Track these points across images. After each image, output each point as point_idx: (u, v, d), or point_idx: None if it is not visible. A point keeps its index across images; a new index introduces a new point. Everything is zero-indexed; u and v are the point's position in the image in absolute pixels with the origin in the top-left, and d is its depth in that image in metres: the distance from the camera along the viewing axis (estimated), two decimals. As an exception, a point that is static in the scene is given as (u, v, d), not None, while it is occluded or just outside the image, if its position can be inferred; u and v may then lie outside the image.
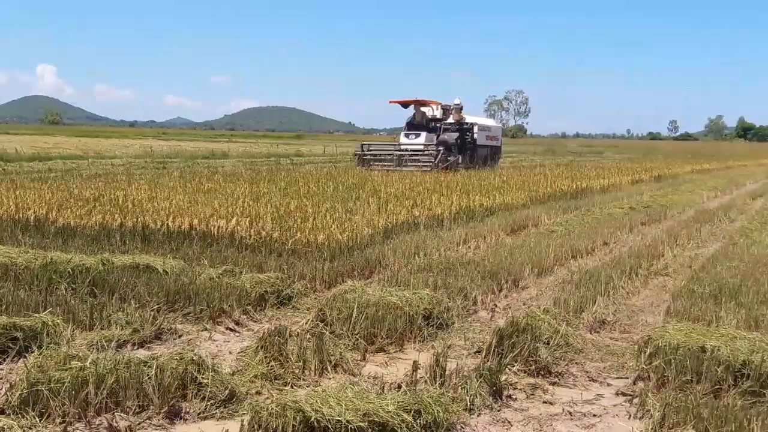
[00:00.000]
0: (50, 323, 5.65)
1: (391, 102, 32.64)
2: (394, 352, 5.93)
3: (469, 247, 10.49)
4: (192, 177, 19.10)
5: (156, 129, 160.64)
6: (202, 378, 4.63)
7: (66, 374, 4.43)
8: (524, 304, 7.46)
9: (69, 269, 7.36)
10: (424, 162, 27.00)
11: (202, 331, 6.34)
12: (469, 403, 4.71)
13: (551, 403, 5.00)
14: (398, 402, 4.23)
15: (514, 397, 5.03)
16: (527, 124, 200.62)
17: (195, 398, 4.56)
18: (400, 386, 4.84)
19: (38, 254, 8.01)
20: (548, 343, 5.83)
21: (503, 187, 18.29)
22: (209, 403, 4.52)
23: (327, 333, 5.80)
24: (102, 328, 6.00)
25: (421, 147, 28.25)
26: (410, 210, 12.83)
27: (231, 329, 6.48)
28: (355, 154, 29.85)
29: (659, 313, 7.28)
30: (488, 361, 5.39)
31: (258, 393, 4.84)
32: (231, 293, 6.97)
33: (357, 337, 5.96)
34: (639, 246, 10.99)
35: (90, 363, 4.55)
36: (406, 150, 28.46)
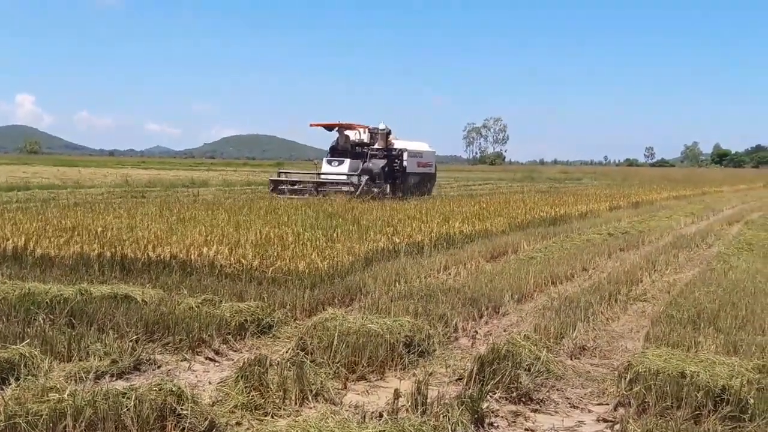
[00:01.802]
0: (28, 355, 5.59)
1: (312, 125, 30.05)
2: (375, 380, 5.92)
3: (450, 273, 10.51)
4: (172, 205, 19.02)
5: (136, 158, 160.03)
6: (182, 409, 4.58)
7: (44, 406, 4.38)
8: (505, 331, 7.48)
9: (47, 300, 7.30)
10: (345, 192, 24.77)
11: (181, 361, 6.29)
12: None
13: (533, 431, 5.00)
14: (380, 431, 4.21)
15: (495, 424, 5.03)
16: (506, 151, 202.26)
17: (174, 429, 4.51)
18: (381, 415, 4.82)
19: (16, 285, 7.94)
20: (529, 370, 5.84)
21: (482, 214, 18.36)
22: (189, 434, 4.48)
23: (308, 362, 5.76)
24: (80, 359, 5.94)
25: (344, 176, 26.18)
26: (390, 237, 12.84)
27: (211, 359, 6.43)
28: (270, 182, 27.93)
29: (639, 339, 7.32)
30: (469, 388, 5.38)
31: (238, 423, 4.80)
32: (211, 322, 6.93)
33: (338, 365, 5.94)
34: (618, 272, 11.06)
35: (68, 395, 4.50)
36: (326, 179, 26.49)
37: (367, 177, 26.02)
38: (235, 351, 6.67)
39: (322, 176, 26.89)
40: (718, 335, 7.00)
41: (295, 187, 26.44)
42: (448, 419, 4.77)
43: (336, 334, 6.23)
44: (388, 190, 27.55)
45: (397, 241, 12.56)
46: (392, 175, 28.34)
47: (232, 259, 9.92)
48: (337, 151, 28.63)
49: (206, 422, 4.56)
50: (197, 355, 6.47)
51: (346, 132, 29.28)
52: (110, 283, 8.63)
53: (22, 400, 4.46)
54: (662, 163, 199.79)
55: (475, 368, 5.65)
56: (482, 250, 12.62)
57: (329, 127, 29.53)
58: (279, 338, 7.08)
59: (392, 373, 6.08)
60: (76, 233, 11.98)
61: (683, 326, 7.40)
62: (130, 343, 6.21)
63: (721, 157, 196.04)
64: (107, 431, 4.40)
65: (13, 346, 5.71)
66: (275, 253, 10.30)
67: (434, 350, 6.66)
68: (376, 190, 25.97)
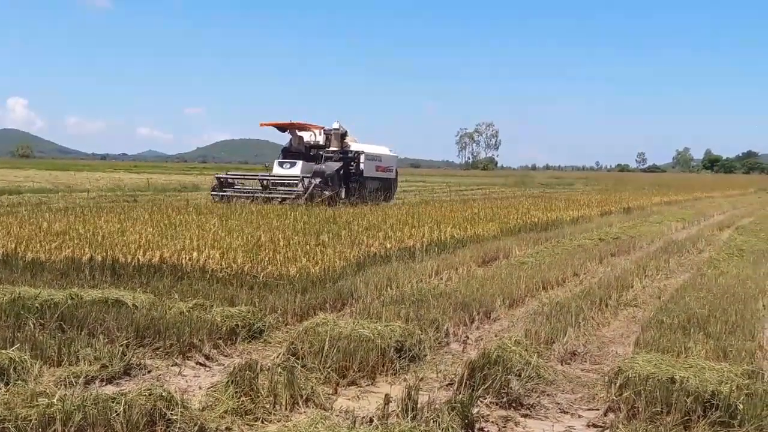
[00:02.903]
0: (17, 359, 5.57)
1: (263, 125, 28.47)
2: (366, 385, 5.91)
3: (441, 278, 10.52)
4: (163, 210, 18.99)
5: (128, 162, 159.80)
6: (172, 414, 4.58)
7: (33, 411, 4.37)
8: (496, 336, 7.49)
9: (37, 304, 7.27)
10: (293, 195, 23.66)
11: (171, 366, 6.28)
12: (441, 437, 4.71)
13: (523, 436, 5.00)
14: (370, 436, 4.21)
15: (486, 429, 5.04)
16: (497, 156, 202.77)
17: (164, 434, 4.50)
18: (371, 420, 4.82)
19: (6, 289, 7.91)
20: (520, 375, 5.84)
21: (474, 219, 18.39)
22: (179, 439, 4.47)
23: (298, 367, 5.76)
24: (70, 364, 5.92)
25: (295, 179, 24.63)
26: (382, 242, 12.85)
27: (201, 364, 6.42)
28: (214, 186, 26.27)
29: (629, 344, 7.34)
30: (460, 393, 5.39)
31: (228, 429, 4.79)
32: (201, 327, 6.92)
33: (329, 370, 5.93)
34: (609, 277, 11.08)
35: (57, 399, 4.48)
36: (275, 181, 25.15)
37: (319, 180, 24.57)
38: (226, 356, 6.66)
39: (273, 179, 25.51)
40: (708, 341, 7.02)
41: (242, 190, 25.22)
42: (439, 424, 4.77)
43: (327, 339, 6.23)
44: (343, 194, 26.05)
45: (389, 245, 12.57)
46: (348, 179, 26.80)
47: (223, 263, 9.91)
48: (290, 153, 27.56)
49: (196, 427, 4.56)
50: (188, 360, 6.46)
51: (300, 133, 28.04)
52: (101, 287, 8.61)
53: (11, 405, 4.44)
54: (654, 169, 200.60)
55: (465, 373, 5.65)
56: (474, 255, 12.63)
57: (282, 128, 28.24)
58: (270, 343, 7.07)
59: (383, 378, 6.08)
60: (67, 237, 11.95)
61: (673, 332, 7.42)
62: (121, 348, 6.19)
63: (712, 163, 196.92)
64: (97, 436, 4.39)
65: (3, 351, 5.68)
66: (266, 258, 10.30)
67: (425, 355, 6.67)
68: (327, 194, 24.46)
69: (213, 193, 25.77)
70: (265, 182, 25.18)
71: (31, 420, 4.30)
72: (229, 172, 28.24)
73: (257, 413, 5.04)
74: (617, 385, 5.51)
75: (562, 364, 6.61)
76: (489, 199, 32.19)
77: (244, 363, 5.51)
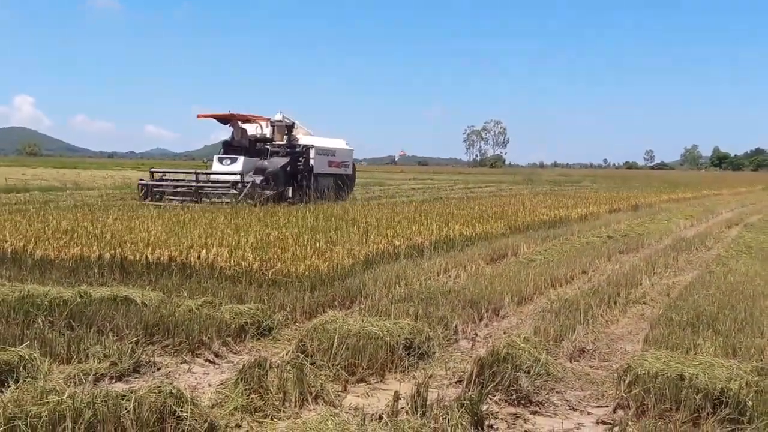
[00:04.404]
0: (27, 357, 5.59)
1: (201, 116, 25.91)
2: (375, 382, 5.92)
3: (450, 276, 10.51)
4: (171, 207, 19.02)
5: (135, 160, 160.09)
6: (181, 411, 4.58)
7: (43, 409, 4.38)
8: (504, 333, 7.47)
9: (46, 302, 7.30)
10: (229, 195, 21.54)
11: (181, 363, 6.29)
12: (450, 434, 4.70)
13: (532, 433, 5.00)
14: (379, 433, 4.21)
15: (495, 426, 5.03)
16: (506, 153, 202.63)
17: None
18: (381, 417, 4.83)
19: (15, 287, 7.93)
20: (529, 372, 5.84)
21: (482, 217, 18.37)
22: (189, 436, 4.48)
23: (307, 364, 5.76)
24: (79, 362, 5.94)
25: (236, 176, 22.27)
26: (390, 240, 12.84)
27: (210, 361, 6.43)
28: (140, 185, 23.75)
29: (638, 342, 7.32)
30: (469, 390, 5.39)
31: (238, 426, 4.80)
32: (210, 325, 6.93)
33: (338, 367, 5.94)
34: (617, 274, 11.06)
35: (67, 397, 4.49)
36: (212, 179, 22.97)
37: (260, 178, 22.54)
38: (235, 353, 6.67)
39: (212, 177, 23.36)
40: (716, 338, 7.01)
41: (174, 190, 23.11)
42: (448, 421, 4.77)
43: (336, 337, 6.23)
44: (290, 193, 24.12)
45: (397, 243, 12.56)
46: (296, 176, 24.65)
47: (231, 261, 9.92)
48: (232, 148, 25.09)
49: (206, 424, 4.56)
50: (197, 357, 6.47)
51: (244, 125, 25.69)
52: (110, 285, 8.64)
53: (21, 403, 4.45)
54: (662, 166, 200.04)
55: (474, 370, 5.65)
56: (482, 252, 12.62)
57: (223, 120, 25.76)
58: (279, 340, 7.08)
59: (392, 375, 6.08)
60: (75, 235, 11.99)
61: (682, 329, 7.40)
62: (130, 346, 6.21)
63: (720, 160, 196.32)
64: (107, 433, 4.40)
65: (13, 348, 5.70)
66: (275, 255, 10.30)
67: (434, 352, 6.67)
68: (269, 193, 22.39)
69: (142, 195, 23.27)
70: (197, 182, 22.90)
71: (41, 417, 4.31)
72: (154, 170, 25.46)
73: (267, 410, 5.04)
74: (626, 382, 5.51)
75: (571, 362, 6.60)
76: (497, 197, 32.15)
77: (253, 360, 5.52)
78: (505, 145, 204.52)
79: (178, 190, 23.10)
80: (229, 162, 23.66)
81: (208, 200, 21.51)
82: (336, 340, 6.18)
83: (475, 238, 14.47)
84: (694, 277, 11.21)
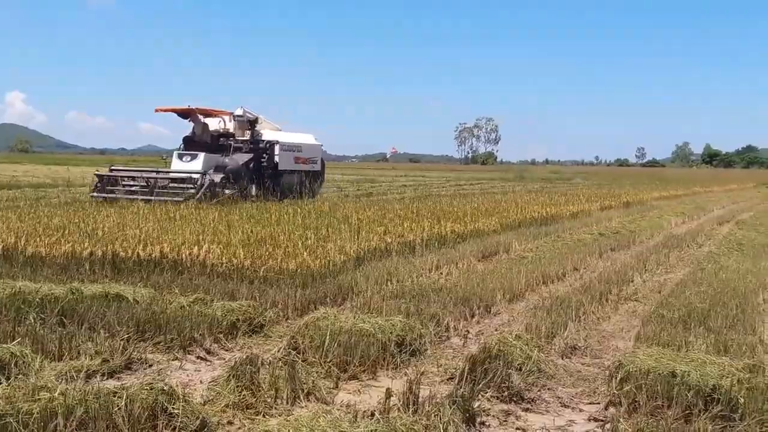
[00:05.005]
0: (18, 354, 5.57)
1: (159, 110, 24.44)
2: (367, 379, 5.92)
3: (441, 273, 10.52)
4: (162, 203, 18.95)
5: (126, 156, 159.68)
6: (173, 408, 4.58)
7: (35, 405, 4.36)
8: (496, 330, 7.49)
9: (38, 299, 7.28)
10: (186, 193, 20.37)
11: (172, 360, 6.29)
12: (442, 431, 4.71)
13: (524, 430, 5.01)
14: (371, 430, 4.22)
15: (487, 423, 5.04)
16: (497, 151, 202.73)
17: (166, 429, 4.50)
18: (373, 414, 4.82)
19: (6, 284, 7.90)
20: (520, 369, 5.85)
21: (474, 214, 18.38)
22: (180, 433, 4.47)
23: (299, 361, 5.77)
24: (71, 358, 5.93)
25: (196, 174, 21.11)
26: (382, 236, 12.83)
27: (202, 358, 6.43)
28: (96, 184, 22.49)
29: (629, 339, 7.35)
30: (461, 387, 5.39)
31: (230, 423, 4.80)
32: (202, 322, 6.92)
33: (330, 364, 5.94)
34: (609, 272, 11.09)
35: (59, 394, 4.48)
36: (163, 179, 21.68)
37: (220, 176, 21.40)
38: (227, 350, 6.66)
39: (171, 174, 22.07)
40: (708, 335, 7.04)
41: (128, 187, 21.81)
42: (440, 418, 4.77)
43: (328, 334, 6.23)
44: (253, 191, 23.03)
45: (389, 240, 12.56)
46: (259, 172, 23.62)
47: (223, 258, 9.91)
48: (193, 144, 23.62)
49: (197, 421, 4.56)
50: (188, 354, 6.46)
51: (205, 120, 24.27)
52: (101, 282, 8.61)
53: (12, 399, 4.44)
54: (653, 163, 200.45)
55: (466, 368, 5.66)
56: (474, 249, 12.63)
57: (184, 114, 24.13)
58: (271, 337, 7.07)
59: (384, 372, 6.08)
60: (67, 232, 11.95)
61: (674, 326, 7.43)
62: (121, 342, 6.20)
63: (711, 157, 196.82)
64: (98, 430, 4.38)
65: (4, 345, 5.68)
66: (267, 253, 10.29)
67: (426, 350, 6.67)
68: (228, 191, 21.30)
69: (94, 194, 21.96)
70: (151, 182, 21.69)
71: (32, 414, 4.30)
72: (114, 167, 23.79)
73: (258, 407, 5.04)
74: (618, 379, 5.53)
75: (562, 359, 6.62)
76: (489, 194, 32.16)
77: (245, 357, 5.52)
78: (497, 142, 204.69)
79: (134, 188, 21.79)
80: (189, 158, 22.48)
81: (161, 199, 19.97)
82: (328, 337, 6.18)
83: (466, 235, 14.48)
84: (686, 274, 11.25)
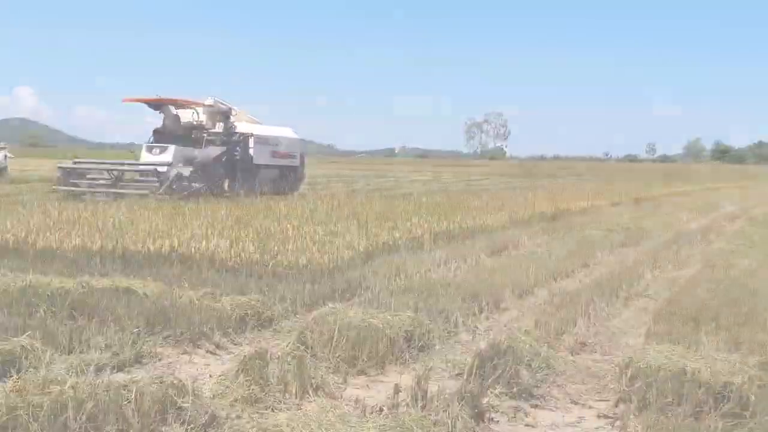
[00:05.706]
0: (29, 347, 5.59)
1: (126, 101, 24.03)
2: (376, 374, 5.92)
3: (450, 268, 10.49)
4: (171, 197, 18.99)
5: (137, 150, 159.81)
6: (183, 402, 4.58)
7: (45, 399, 4.37)
8: (505, 326, 7.47)
9: (48, 292, 7.29)
10: (151, 187, 19.66)
11: (182, 354, 6.30)
12: (450, 427, 4.68)
13: (533, 426, 5.00)
14: (380, 425, 4.22)
15: (495, 420, 5.03)
16: (506, 146, 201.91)
17: (175, 422, 4.51)
18: (381, 409, 4.82)
19: (17, 277, 7.94)
20: (530, 366, 5.83)
21: (483, 209, 18.36)
22: (189, 427, 4.47)
23: (308, 356, 5.76)
24: (81, 352, 5.94)
25: (162, 167, 20.30)
26: (390, 232, 12.83)
27: (211, 352, 6.44)
28: (59, 178, 21.87)
29: (640, 335, 7.31)
30: (470, 383, 5.37)
31: (238, 417, 4.80)
32: (211, 316, 6.94)
33: (338, 359, 5.94)
34: (619, 268, 11.05)
35: (69, 387, 4.49)
36: (128, 172, 21.34)
37: (189, 169, 20.52)
38: (236, 344, 6.67)
39: (136, 167, 21.55)
40: (719, 332, 6.99)
41: (93, 181, 21.38)
42: (448, 414, 4.76)
43: (336, 329, 6.23)
44: (226, 186, 22.44)
45: (397, 235, 12.55)
46: (234, 166, 22.74)
47: (232, 252, 9.93)
48: (164, 136, 22.73)
49: (207, 415, 4.56)
50: (198, 348, 6.48)
51: (177, 111, 23.27)
52: (111, 276, 8.63)
53: (23, 393, 4.45)
54: (664, 159, 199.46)
55: (475, 363, 5.64)
56: (482, 245, 12.60)
57: (155, 105, 23.35)
58: (279, 332, 7.07)
59: (392, 367, 6.08)
60: (77, 226, 11.99)
61: (684, 323, 7.39)
62: (131, 336, 6.22)
63: (723, 153, 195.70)
64: (108, 424, 4.39)
65: (15, 339, 5.70)
66: (276, 247, 10.30)
67: (434, 345, 6.66)
68: (196, 186, 20.53)
69: (58, 187, 21.45)
70: (115, 173, 21.21)
71: (43, 407, 4.31)
72: (77, 160, 23.26)
73: (267, 402, 5.04)
74: (628, 375, 5.50)
75: (572, 355, 6.59)
76: (497, 189, 32.11)
77: (254, 351, 5.52)
78: (506, 138, 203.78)
79: (100, 181, 21.42)
80: (158, 151, 21.70)
81: (125, 192, 19.66)
82: (336, 332, 6.18)
83: (475, 231, 14.46)
84: (697, 271, 11.19)
